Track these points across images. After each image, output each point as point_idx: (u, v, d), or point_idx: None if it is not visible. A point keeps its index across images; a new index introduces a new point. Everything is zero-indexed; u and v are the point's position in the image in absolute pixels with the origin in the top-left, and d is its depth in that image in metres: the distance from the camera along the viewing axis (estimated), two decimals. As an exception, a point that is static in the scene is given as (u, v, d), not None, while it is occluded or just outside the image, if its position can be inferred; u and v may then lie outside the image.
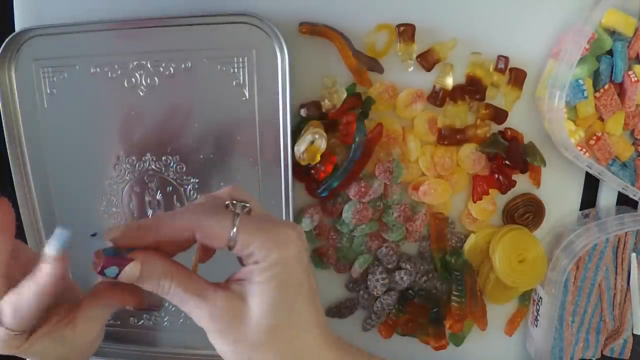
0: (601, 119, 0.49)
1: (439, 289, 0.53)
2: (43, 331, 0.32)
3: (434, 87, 0.48)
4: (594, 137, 0.49)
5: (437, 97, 0.48)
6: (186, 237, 0.30)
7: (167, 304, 0.52)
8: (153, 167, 0.49)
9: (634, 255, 0.53)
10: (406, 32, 0.46)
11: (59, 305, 0.33)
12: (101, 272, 0.29)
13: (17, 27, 0.48)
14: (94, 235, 0.31)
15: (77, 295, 0.35)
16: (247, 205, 0.31)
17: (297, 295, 0.30)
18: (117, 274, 0.29)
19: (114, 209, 0.50)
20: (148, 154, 0.48)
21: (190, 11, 0.45)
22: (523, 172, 0.50)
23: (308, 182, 0.50)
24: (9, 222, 0.31)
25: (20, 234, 0.36)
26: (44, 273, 0.30)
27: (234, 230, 0.29)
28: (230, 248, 0.30)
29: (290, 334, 0.30)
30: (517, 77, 0.48)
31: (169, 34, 0.46)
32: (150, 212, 0.50)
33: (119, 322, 0.53)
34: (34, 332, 0.32)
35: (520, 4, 0.47)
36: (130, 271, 0.29)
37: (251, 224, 0.30)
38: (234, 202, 0.31)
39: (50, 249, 0.29)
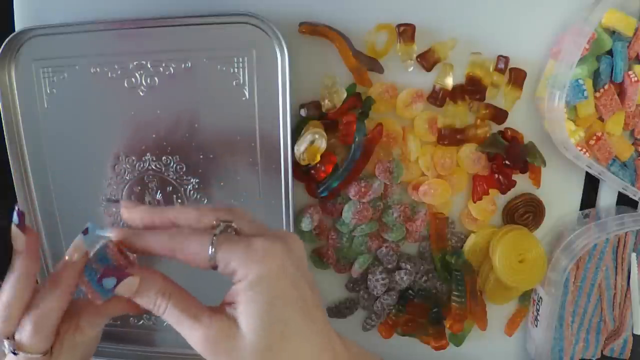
0: (601, 119, 0.49)
1: (439, 289, 0.53)
2: (58, 348, 0.32)
3: (434, 87, 0.48)
4: (594, 137, 0.49)
5: (437, 97, 0.48)
6: (169, 258, 0.30)
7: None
8: (153, 167, 0.49)
9: (634, 255, 0.53)
10: (406, 32, 0.46)
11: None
12: (99, 281, 0.29)
13: (17, 27, 0.48)
14: (85, 232, 0.32)
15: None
16: (232, 224, 0.31)
17: (289, 311, 0.29)
18: (115, 286, 0.29)
19: (114, 209, 0.50)
20: (148, 154, 0.48)
21: (190, 11, 0.45)
22: (523, 172, 0.50)
23: (308, 182, 0.50)
24: (35, 248, 0.32)
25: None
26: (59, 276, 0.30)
27: (212, 248, 0.29)
28: (214, 268, 0.29)
29: (288, 350, 0.29)
30: (517, 77, 0.48)
31: (169, 34, 0.45)
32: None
33: (118, 322, 0.53)
34: (52, 351, 0.32)
35: (520, 4, 0.47)
36: (128, 284, 0.29)
37: (229, 241, 0.29)
38: (219, 222, 0.31)
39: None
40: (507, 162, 0.48)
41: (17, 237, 0.31)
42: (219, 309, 0.30)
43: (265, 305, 0.29)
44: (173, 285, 0.31)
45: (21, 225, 0.31)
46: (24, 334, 0.30)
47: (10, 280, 0.31)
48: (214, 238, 0.29)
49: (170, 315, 0.30)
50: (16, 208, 0.31)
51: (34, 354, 0.31)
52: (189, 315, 0.29)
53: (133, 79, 0.47)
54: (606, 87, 0.47)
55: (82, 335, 0.33)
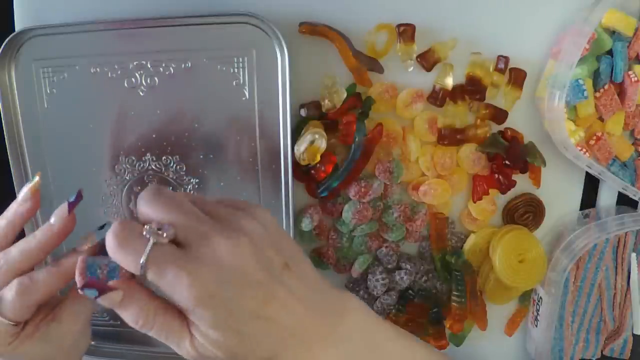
0: (601, 119, 0.49)
1: (439, 289, 0.53)
2: (30, 329, 0.32)
3: (434, 87, 0.48)
4: (594, 137, 0.49)
5: (437, 97, 0.48)
6: None
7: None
8: (153, 167, 0.49)
9: (634, 255, 0.53)
10: (406, 32, 0.46)
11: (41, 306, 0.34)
12: (81, 289, 0.29)
13: (17, 27, 0.48)
14: (102, 227, 0.32)
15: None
16: (164, 232, 0.28)
17: (238, 324, 0.30)
18: (96, 297, 0.29)
19: (113, 209, 0.50)
20: (148, 154, 0.48)
21: (190, 11, 0.45)
22: (523, 172, 0.50)
23: (308, 182, 0.50)
24: (66, 228, 0.33)
25: (19, 233, 0.36)
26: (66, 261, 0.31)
27: (142, 260, 0.28)
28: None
29: (254, 351, 0.30)
30: (517, 77, 0.48)
31: (169, 34, 0.45)
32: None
33: (119, 322, 0.53)
34: (22, 330, 0.32)
35: (520, 4, 0.47)
36: (110, 298, 0.29)
37: (161, 257, 0.28)
38: (151, 228, 0.28)
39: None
40: (507, 162, 0.48)
41: (60, 211, 0.33)
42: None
43: (215, 328, 0.29)
44: (159, 304, 0.30)
45: (72, 205, 0.32)
46: (7, 292, 0.31)
47: (22, 243, 0.32)
48: (146, 250, 0.28)
49: (157, 336, 0.30)
50: (80, 191, 0.33)
51: (4, 318, 0.31)
52: (174, 338, 0.30)
53: (133, 79, 0.47)
54: (606, 87, 0.47)
55: (58, 326, 0.33)
